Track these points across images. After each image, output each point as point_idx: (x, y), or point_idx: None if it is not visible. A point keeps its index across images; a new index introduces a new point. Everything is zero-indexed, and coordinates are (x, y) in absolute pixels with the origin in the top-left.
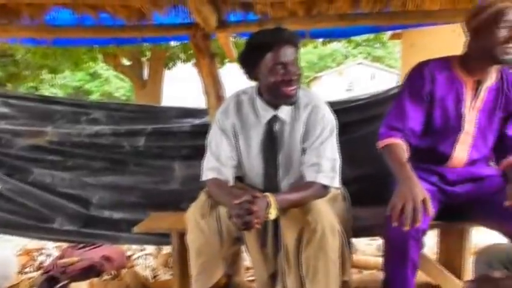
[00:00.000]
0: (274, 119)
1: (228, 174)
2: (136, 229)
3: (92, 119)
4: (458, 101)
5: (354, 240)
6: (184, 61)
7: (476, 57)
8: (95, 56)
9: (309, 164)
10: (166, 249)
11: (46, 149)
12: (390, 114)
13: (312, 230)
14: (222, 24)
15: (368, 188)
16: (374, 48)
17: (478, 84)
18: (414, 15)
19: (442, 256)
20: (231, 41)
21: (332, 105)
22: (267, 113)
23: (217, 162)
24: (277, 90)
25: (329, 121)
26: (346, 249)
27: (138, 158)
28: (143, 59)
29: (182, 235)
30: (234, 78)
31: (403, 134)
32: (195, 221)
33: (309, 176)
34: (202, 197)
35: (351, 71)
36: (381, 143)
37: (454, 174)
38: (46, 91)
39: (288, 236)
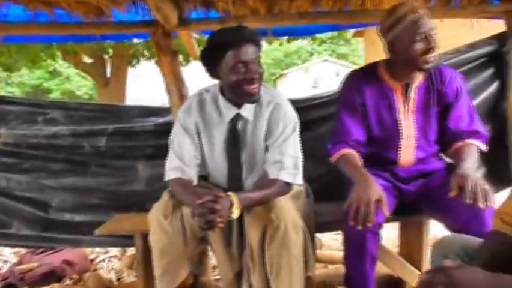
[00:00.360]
0: (237, 117)
1: (192, 174)
2: (97, 231)
3: (49, 119)
4: (391, 108)
5: (319, 235)
6: (148, 58)
7: (399, 65)
8: (54, 53)
9: (271, 161)
10: (131, 251)
11: (0, 151)
12: (334, 131)
13: (275, 228)
14: (183, 22)
15: (330, 183)
16: (339, 46)
17: (407, 86)
18: (373, 13)
19: (403, 249)
20: (194, 39)
21: (296, 102)
22: (229, 112)
23: (180, 162)
24: (239, 88)
25: (291, 118)
26: (309, 245)
27: (99, 159)
28: (106, 57)
29: (146, 236)
30: (199, 76)
31: (350, 146)
32: (158, 222)
33: (272, 174)
34: (165, 197)
35: (316, 68)
36: (333, 158)
37: (405, 173)
38: (2, 90)
39: (252, 234)
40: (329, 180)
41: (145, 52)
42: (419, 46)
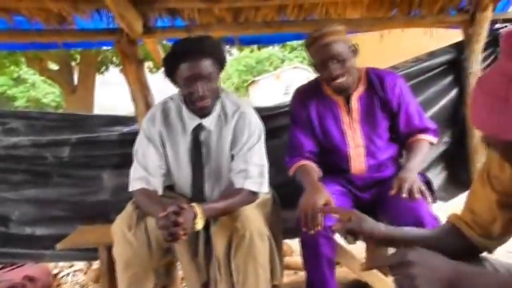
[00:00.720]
0: (199, 127)
1: (157, 184)
2: (59, 245)
3: (9, 129)
4: (336, 120)
5: (289, 241)
6: (117, 65)
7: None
8: (17, 60)
9: (237, 170)
10: (97, 264)
11: None
12: (289, 145)
13: (240, 236)
14: (148, 30)
15: (298, 190)
16: None
17: (349, 98)
18: (337, 23)
19: (369, 252)
20: (160, 47)
21: (263, 110)
22: (192, 122)
23: (145, 172)
24: (190, 102)
25: (256, 127)
26: (275, 253)
27: (62, 169)
28: (73, 63)
29: (110, 248)
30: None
31: (306, 157)
32: (122, 233)
33: (237, 183)
34: (128, 208)
35: (287, 75)
36: (291, 170)
37: (360, 181)
38: None
39: (218, 244)
40: (297, 186)
41: (114, 59)
42: (327, 71)
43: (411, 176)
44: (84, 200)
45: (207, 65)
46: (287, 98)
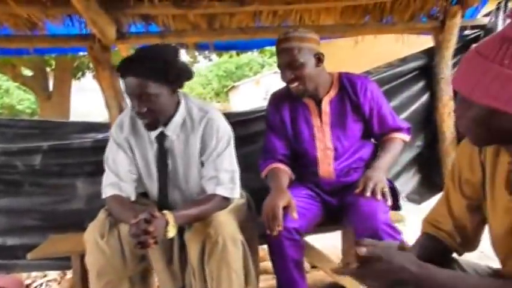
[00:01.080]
0: (162, 135)
1: (129, 190)
2: (30, 255)
3: None
4: (308, 123)
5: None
6: (93, 71)
7: None
8: None
9: (207, 177)
10: (71, 273)
11: None
12: (263, 149)
13: (213, 242)
14: (122, 36)
15: None
16: None
17: (320, 101)
18: (311, 29)
19: (345, 255)
20: None
21: (240, 115)
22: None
23: (116, 178)
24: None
25: (225, 133)
26: (249, 258)
27: (34, 178)
28: (48, 69)
29: (83, 257)
30: None
31: (279, 160)
32: (94, 241)
33: (209, 189)
34: (101, 215)
35: (267, 80)
36: (263, 173)
37: (327, 185)
38: None
39: (192, 250)
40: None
41: (91, 64)
42: (283, 75)
43: (378, 175)
44: (57, 208)
45: (139, 84)
46: (266, 103)
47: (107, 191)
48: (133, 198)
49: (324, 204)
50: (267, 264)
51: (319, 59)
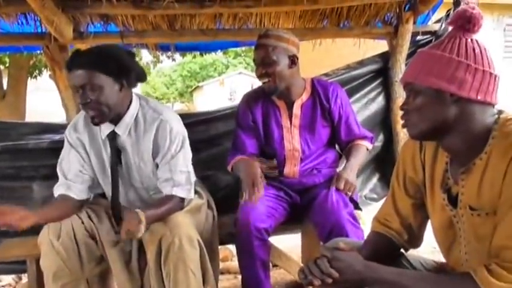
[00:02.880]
0: (113, 134)
1: (78, 190)
2: None
3: None
4: (278, 124)
5: (230, 246)
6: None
7: None
8: None
9: (163, 179)
10: (27, 277)
11: None
12: (232, 147)
13: (170, 243)
14: (80, 35)
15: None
16: None
17: (292, 104)
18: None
19: (304, 255)
20: None
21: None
22: (106, 128)
23: (65, 179)
24: None
25: (178, 134)
26: (206, 258)
27: None
28: (2, 67)
29: (39, 261)
30: None
31: (246, 155)
32: (49, 243)
33: (166, 191)
34: None
35: (231, 81)
36: (230, 165)
37: (292, 184)
38: None
39: (149, 251)
40: (236, 191)
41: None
42: (256, 70)
43: (351, 175)
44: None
45: (85, 76)
46: (231, 104)
47: (56, 191)
48: (84, 196)
49: (289, 204)
50: (230, 263)
51: (293, 61)
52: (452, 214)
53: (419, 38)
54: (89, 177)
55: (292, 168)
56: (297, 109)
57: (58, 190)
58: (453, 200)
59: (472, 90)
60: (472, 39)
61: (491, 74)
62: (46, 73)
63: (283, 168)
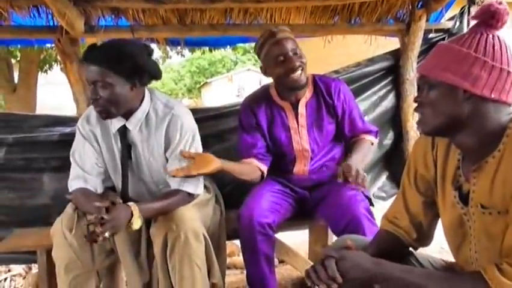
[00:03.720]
0: (123, 128)
1: (95, 183)
2: None
3: None
4: (284, 126)
5: (236, 241)
6: (61, 64)
7: (278, 85)
8: None
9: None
10: (36, 267)
11: None
12: (239, 151)
13: (175, 237)
14: (91, 29)
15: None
16: None
17: (296, 104)
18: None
19: (311, 251)
20: None
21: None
22: (117, 123)
23: (82, 171)
24: None
25: (188, 129)
26: (212, 252)
27: None
28: (13, 61)
29: (49, 252)
30: None
31: (253, 156)
32: (62, 235)
33: (174, 185)
34: (68, 209)
35: (240, 77)
36: None
37: (300, 181)
38: None
39: (156, 244)
40: (243, 186)
41: (59, 57)
42: (281, 67)
43: (356, 163)
44: (23, 203)
45: (96, 71)
46: (239, 100)
47: (73, 185)
48: (99, 191)
49: (296, 200)
50: (237, 259)
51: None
52: (463, 212)
53: (431, 35)
54: (103, 170)
55: (302, 168)
56: (302, 108)
57: (75, 184)
58: (464, 198)
59: (486, 87)
60: (493, 36)
61: (508, 72)
62: (56, 67)
63: (293, 167)
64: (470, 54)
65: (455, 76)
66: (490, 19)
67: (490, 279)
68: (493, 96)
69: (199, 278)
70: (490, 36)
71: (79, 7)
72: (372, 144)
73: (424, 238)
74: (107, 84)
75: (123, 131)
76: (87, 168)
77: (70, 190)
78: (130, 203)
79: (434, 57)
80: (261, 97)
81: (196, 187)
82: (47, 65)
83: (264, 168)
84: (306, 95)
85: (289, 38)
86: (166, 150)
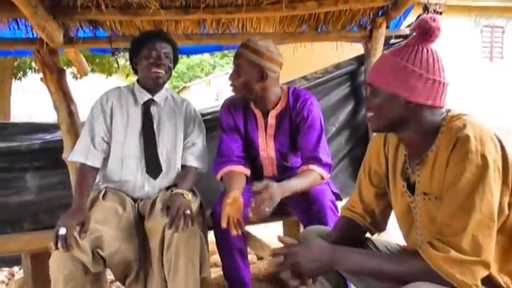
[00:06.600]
0: (150, 102)
1: (95, 157)
2: None
3: None
4: (255, 132)
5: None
6: (36, 71)
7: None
8: None
9: (189, 152)
10: (20, 274)
11: None
12: (218, 152)
13: (173, 232)
14: (70, 40)
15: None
16: None
17: (267, 113)
18: (253, 36)
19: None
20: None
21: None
22: (143, 95)
23: (90, 141)
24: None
25: (198, 116)
26: (205, 248)
27: None
28: None
29: (35, 256)
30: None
31: (235, 161)
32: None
33: (191, 163)
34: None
35: (218, 81)
36: (218, 175)
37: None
38: None
39: (153, 239)
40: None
41: (33, 64)
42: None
43: (279, 193)
44: (7, 201)
45: (169, 48)
46: (218, 104)
47: (73, 156)
48: (98, 166)
49: None
50: (216, 257)
51: (262, 76)
52: (410, 200)
53: (392, 41)
54: (106, 146)
55: (270, 169)
56: (271, 119)
57: (77, 156)
58: (411, 188)
59: (422, 96)
60: (427, 49)
61: (440, 82)
62: (31, 74)
63: (263, 168)
64: (407, 67)
65: (395, 86)
66: (425, 34)
67: (424, 253)
68: (428, 103)
69: (192, 273)
70: (425, 50)
71: (58, 20)
72: (322, 178)
73: (377, 224)
74: (169, 56)
75: (149, 104)
76: (95, 140)
77: (69, 159)
78: (179, 190)
79: (378, 67)
80: (238, 101)
81: (205, 164)
82: (21, 72)
83: (247, 171)
84: (278, 106)
85: (239, 54)
86: (185, 131)
